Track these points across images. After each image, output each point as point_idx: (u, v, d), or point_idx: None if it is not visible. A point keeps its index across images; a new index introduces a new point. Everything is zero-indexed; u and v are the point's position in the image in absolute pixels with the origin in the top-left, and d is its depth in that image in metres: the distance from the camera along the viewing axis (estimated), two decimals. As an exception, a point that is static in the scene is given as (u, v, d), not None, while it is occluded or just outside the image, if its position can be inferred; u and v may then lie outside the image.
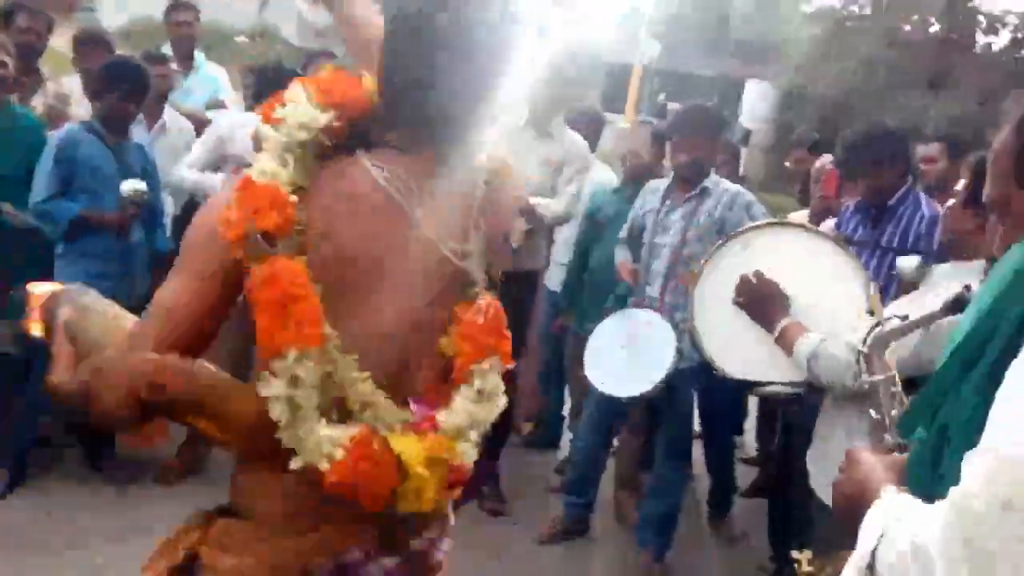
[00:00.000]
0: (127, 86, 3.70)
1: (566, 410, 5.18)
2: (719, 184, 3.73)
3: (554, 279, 4.89)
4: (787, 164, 5.31)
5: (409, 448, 1.33)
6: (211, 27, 15.04)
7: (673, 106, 26.76)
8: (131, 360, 1.29)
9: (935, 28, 20.02)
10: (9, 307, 3.43)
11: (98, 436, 3.79)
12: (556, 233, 4.69)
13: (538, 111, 4.13)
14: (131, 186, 3.65)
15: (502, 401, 1.45)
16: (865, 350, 1.97)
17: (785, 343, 2.41)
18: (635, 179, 4.35)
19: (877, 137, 3.40)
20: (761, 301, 2.52)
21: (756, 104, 26.82)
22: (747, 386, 2.91)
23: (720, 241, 2.82)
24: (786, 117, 23.85)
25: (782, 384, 2.62)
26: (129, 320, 1.46)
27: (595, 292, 4.32)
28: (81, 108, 4.22)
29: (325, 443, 1.28)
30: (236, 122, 4.14)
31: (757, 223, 3.01)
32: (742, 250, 2.69)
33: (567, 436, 4.95)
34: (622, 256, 4.01)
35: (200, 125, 4.51)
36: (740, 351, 2.64)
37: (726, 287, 2.61)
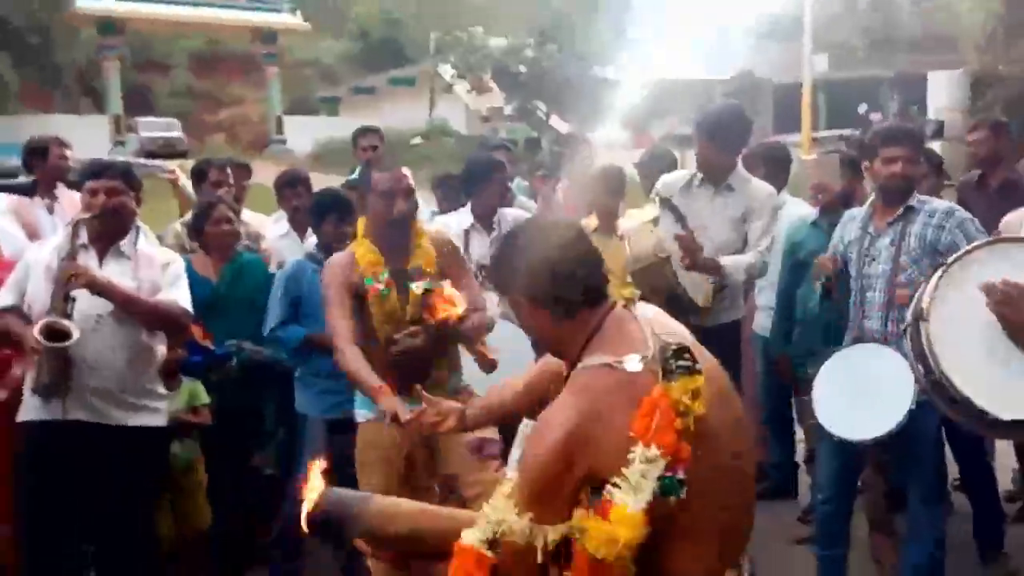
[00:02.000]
0: (336, 213, 4.01)
1: (798, 456, 4.98)
2: (925, 202, 3.49)
3: (762, 324, 4.77)
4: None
5: None
6: (389, 135, 16.08)
7: (875, 116, 25.74)
8: None
9: None
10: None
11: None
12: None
13: (711, 166, 4.08)
14: None
15: None
16: None
17: None
18: (830, 212, 4.18)
19: None
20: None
21: (942, 94, 25.36)
22: (1019, 427, 2.48)
23: (938, 273, 2.61)
24: (979, 103, 22.32)
25: None
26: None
27: (806, 332, 4.17)
28: (268, 242, 4.69)
29: None
30: (449, 221, 4.48)
31: (974, 245, 2.78)
32: (966, 277, 2.47)
33: (804, 483, 4.75)
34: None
35: None
36: (1006, 389, 2.35)
37: (964, 322, 2.39)
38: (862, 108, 28.15)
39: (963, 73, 24.24)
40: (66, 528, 3.20)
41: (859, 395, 3.43)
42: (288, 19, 29.21)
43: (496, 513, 1.68)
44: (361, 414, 3.25)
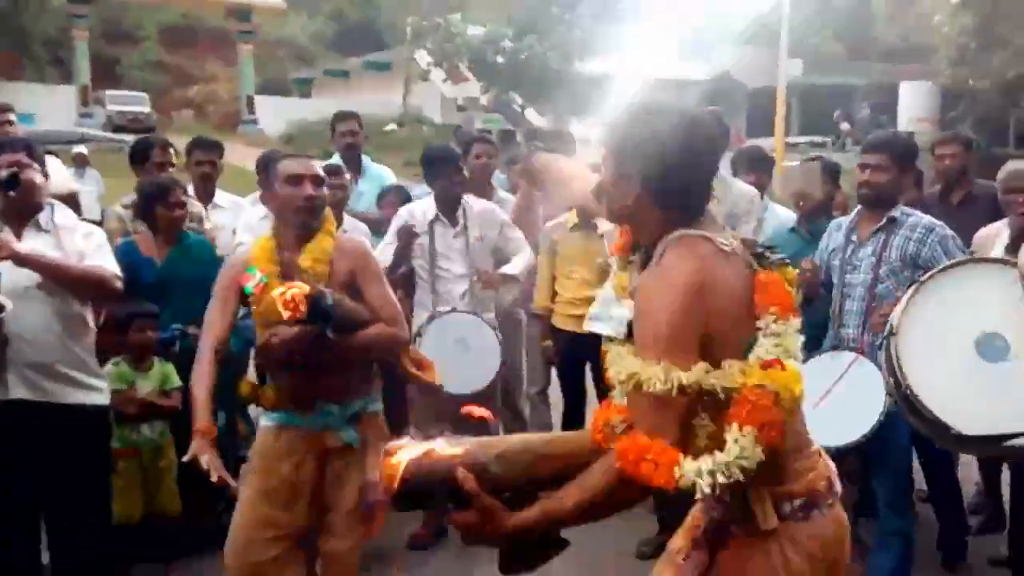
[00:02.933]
0: None
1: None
2: (910, 215, 3.51)
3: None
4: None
5: None
6: (363, 120, 15.92)
7: (844, 125, 25.98)
8: None
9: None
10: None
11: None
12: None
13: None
14: None
15: None
16: None
17: None
18: (810, 219, 4.19)
19: None
20: None
21: (914, 105, 25.73)
22: (983, 442, 2.47)
23: (910, 291, 2.61)
24: (950, 115, 22.64)
25: None
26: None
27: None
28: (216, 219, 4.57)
29: None
30: (414, 209, 4.38)
31: (948, 263, 2.78)
32: (938, 295, 2.47)
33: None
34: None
35: (375, 224, 4.74)
36: (972, 404, 2.38)
37: (932, 338, 2.41)
38: (837, 113, 28.47)
39: (935, 85, 24.57)
40: (17, 510, 3.13)
41: (832, 403, 3.45)
42: (264, -4, 28.85)
43: (631, 367, 1.65)
44: (263, 420, 3.08)
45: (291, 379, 2.92)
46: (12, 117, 4.65)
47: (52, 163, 3.85)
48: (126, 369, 3.75)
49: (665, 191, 1.77)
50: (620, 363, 1.71)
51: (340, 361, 2.90)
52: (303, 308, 2.69)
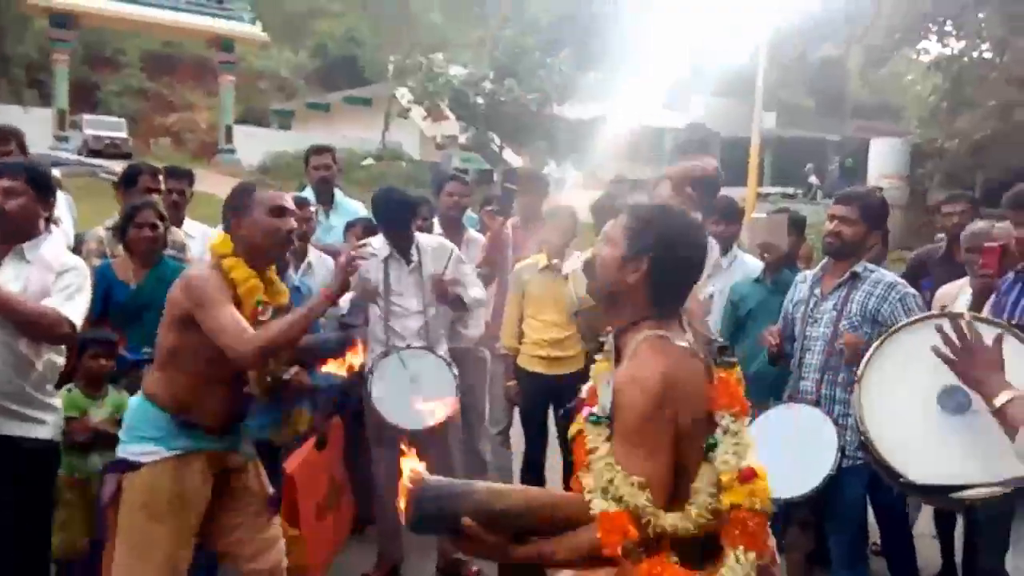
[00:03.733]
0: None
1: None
2: (873, 272, 3.57)
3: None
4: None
5: None
6: (342, 154, 16.04)
7: (813, 179, 26.34)
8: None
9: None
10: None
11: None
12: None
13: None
14: None
15: None
16: None
17: (1009, 418, 2.08)
18: (775, 270, 4.25)
19: None
20: (980, 358, 2.20)
21: (884, 162, 26.20)
22: (937, 492, 2.50)
23: (878, 340, 2.68)
24: (919, 172, 23.09)
25: (989, 485, 2.30)
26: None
27: (748, 386, 4.21)
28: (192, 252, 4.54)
29: None
30: (373, 241, 4.33)
31: (916, 317, 2.85)
32: (902, 348, 2.53)
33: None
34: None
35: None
36: (925, 454, 2.40)
37: (894, 388, 2.47)
38: (808, 166, 28.94)
39: (905, 143, 25.05)
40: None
41: (785, 454, 3.48)
42: (247, 28, 28.90)
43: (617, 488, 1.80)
44: (150, 451, 2.83)
45: (225, 401, 2.88)
46: (11, 147, 4.59)
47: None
48: (79, 396, 3.69)
49: (665, 283, 1.96)
50: (597, 457, 1.87)
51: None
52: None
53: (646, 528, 1.78)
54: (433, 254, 4.35)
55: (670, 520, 1.80)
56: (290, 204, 2.98)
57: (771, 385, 3.83)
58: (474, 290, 4.45)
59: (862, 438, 2.57)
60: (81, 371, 3.68)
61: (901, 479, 2.46)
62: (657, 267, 1.94)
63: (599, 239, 2.07)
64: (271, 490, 3.09)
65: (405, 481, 1.85)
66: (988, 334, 2.27)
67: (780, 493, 3.44)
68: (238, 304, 2.80)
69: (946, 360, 2.27)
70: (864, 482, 3.50)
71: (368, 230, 4.97)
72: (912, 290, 3.56)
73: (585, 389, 2.11)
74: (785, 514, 3.71)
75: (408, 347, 4.21)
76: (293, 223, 2.94)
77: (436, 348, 4.27)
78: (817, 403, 3.51)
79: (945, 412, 2.44)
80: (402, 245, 4.31)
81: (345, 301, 4.27)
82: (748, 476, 1.87)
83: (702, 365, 1.94)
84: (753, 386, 4.00)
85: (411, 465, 1.88)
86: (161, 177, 4.81)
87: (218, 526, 2.96)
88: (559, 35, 31.38)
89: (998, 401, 2.12)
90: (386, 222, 4.33)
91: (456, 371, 4.25)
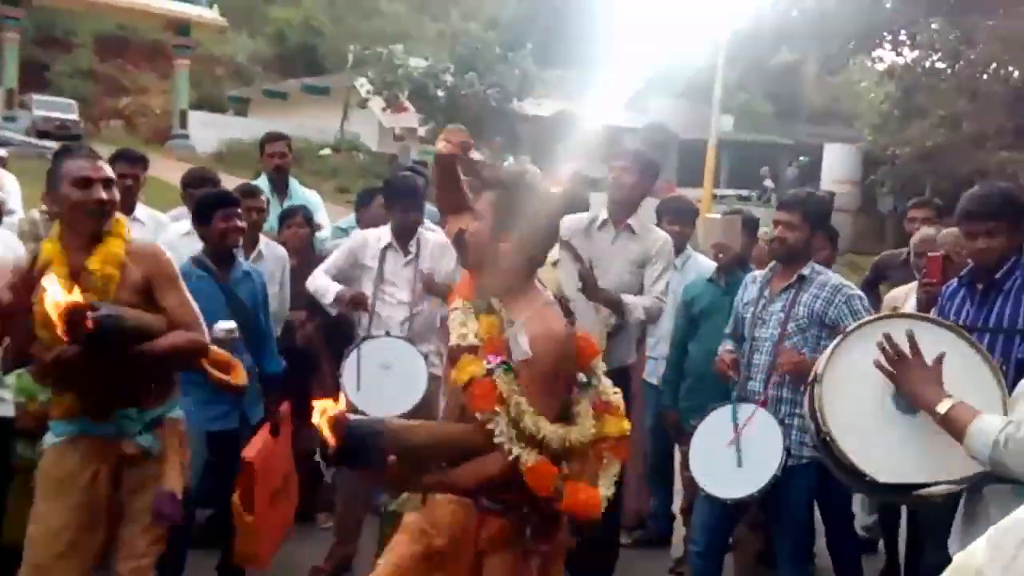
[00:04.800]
0: (223, 210, 3.85)
1: (675, 507, 5.06)
2: (820, 274, 3.63)
3: (654, 374, 4.85)
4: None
5: None
6: (299, 143, 15.82)
7: (767, 182, 26.73)
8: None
9: (1016, 77, 19.52)
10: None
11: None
12: (654, 327, 4.62)
13: (615, 208, 4.15)
14: (222, 327, 3.68)
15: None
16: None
17: (954, 425, 2.16)
18: (727, 271, 4.29)
19: (1001, 195, 3.12)
20: (917, 373, 2.29)
21: (837, 167, 26.63)
22: (896, 491, 2.56)
23: (835, 341, 2.72)
24: (870, 178, 23.50)
25: (948, 483, 2.37)
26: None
27: (696, 386, 4.26)
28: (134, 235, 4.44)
29: None
30: (369, 236, 4.40)
31: (870, 318, 2.90)
32: (860, 347, 2.56)
33: (679, 533, 4.82)
34: (725, 348, 3.88)
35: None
36: (886, 454, 2.46)
37: (853, 388, 2.49)
38: (764, 169, 29.30)
39: (857, 149, 25.49)
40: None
41: (733, 455, 3.53)
42: (204, 12, 28.35)
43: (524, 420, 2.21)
44: (48, 438, 2.92)
45: (84, 388, 2.80)
46: None
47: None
48: (29, 381, 3.60)
49: (534, 254, 2.39)
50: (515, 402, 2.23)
51: (137, 368, 2.80)
52: (61, 324, 2.55)
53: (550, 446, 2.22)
54: (432, 251, 4.33)
55: (572, 435, 2.27)
56: (96, 173, 2.82)
57: (719, 385, 3.87)
58: None
59: (824, 438, 2.59)
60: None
61: (866, 478, 2.50)
62: (529, 243, 2.34)
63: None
64: (166, 492, 2.93)
65: (328, 416, 2.06)
66: (931, 350, 2.33)
67: (726, 493, 3.52)
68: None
69: (885, 373, 2.35)
70: (810, 482, 3.56)
71: (307, 220, 4.91)
72: (858, 292, 3.63)
73: (467, 339, 2.33)
74: (733, 514, 3.76)
75: (387, 335, 4.19)
76: (101, 194, 2.80)
77: (420, 343, 4.24)
78: (764, 403, 3.56)
79: (899, 411, 2.49)
80: (404, 235, 4.29)
81: (330, 293, 4.29)
82: (607, 408, 2.46)
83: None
84: (703, 385, 4.10)
85: (329, 405, 2.09)
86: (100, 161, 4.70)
87: (119, 515, 2.90)
88: (521, 32, 31.40)
89: (940, 409, 2.20)
90: (401, 204, 4.30)
91: (432, 366, 4.24)
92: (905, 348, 2.33)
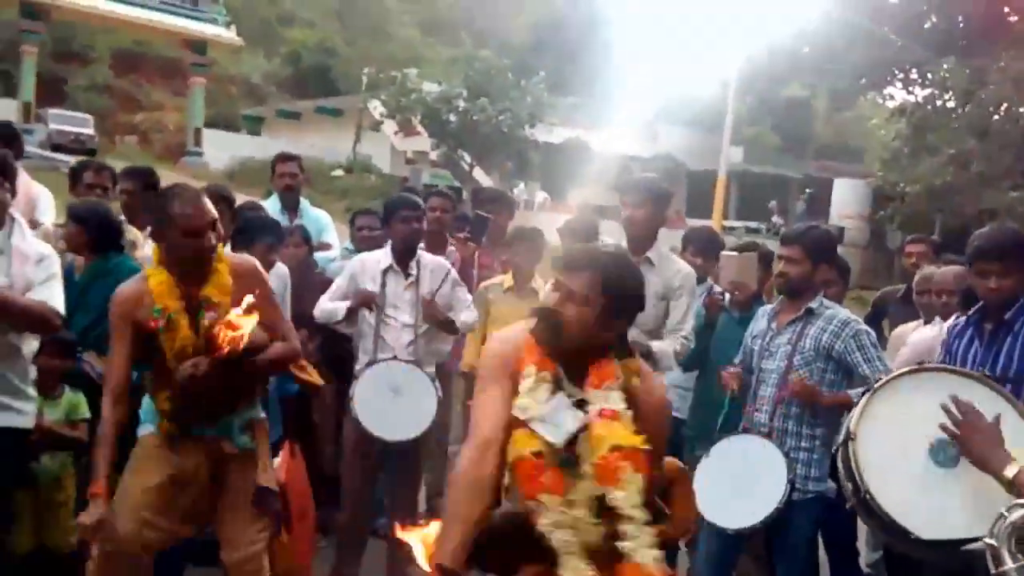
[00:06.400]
0: (270, 239, 3.93)
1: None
2: (828, 308, 3.63)
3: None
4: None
5: None
6: (311, 163, 15.91)
7: (775, 219, 26.73)
8: None
9: (1027, 118, 19.55)
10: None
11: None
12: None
13: (632, 243, 4.08)
14: None
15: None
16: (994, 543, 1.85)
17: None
18: (742, 310, 4.26)
19: (1013, 235, 3.15)
20: (982, 436, 2.29)
21: (846, 202, 26.65)
22: (941, 547, 2.52)
23: (865, 397, 2.70)
24: (879, 214, 23.51)
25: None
26: None
27: (704, 415, 4.24)
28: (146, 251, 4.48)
29: None
30: (367, 259, 4.39)
31: (896, 372, 2.88)
32: (892, 401, 2.58)
33: (683, 565, 4.78)
34: (733, 364, 3.85)
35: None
36: (928, 510, 2.46)
37: (887, 444, 2.50)
38: (772, 203, 29.33)
39: (867, 184, 25.51)
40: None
41: (737, 485, 3.52)
42: (221, 31, 28.66)
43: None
44: (144, 427, 3.18)
45: (200, 399, 2.98)
46: None
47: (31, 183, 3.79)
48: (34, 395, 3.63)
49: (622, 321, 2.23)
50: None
51: (247, 378, 3.08)
52: (241, 346, 2.90)
53: None
54: (432, 274, 4.33)
55: None
56: (203, 221, 2.98)
57: (723, 413, 3.87)
58: (466, 314, 4.43)
59: (864, 496, 2.57)
60: (38, 370, 3.61)
61: (911, 536, 2.48)
62: (617, 312, 2.19)
63: (554, 290, 2.22)
64: (266, 487, 3.14)
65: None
66: (988, 409, 2.35)
67: (729, 523, 3.50)
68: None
69: (951, 435, 2.34)
70: (814, 517, 3.55)
71: (305, 240, 4.93)
72: (865, 327, 3.63)
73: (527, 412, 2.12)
74: (736, 544, 3.74)
75: (394, 358, 4.18)
76: (212, 240, 3.00)
77: (424, 365, 4.24)
78: (770, 435, 3.56)
79: (938, 465, 2.48)
80: (405, 257, 4.29)
81: (341, 307, 4.26)
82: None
83: None
84: (711, 415, 4.08)
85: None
86: (106, 173, 4.75)
87: (213, 511, 3.13)
88: (534, 59, 31.61)
89: (1008, 473, 2.20)
90: (401, 222, 4.28)
91: (439, 389, 4.24)
92: (972, 409, 2.34)
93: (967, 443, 2.31)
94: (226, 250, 3.15)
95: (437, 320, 4.28)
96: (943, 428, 2.34)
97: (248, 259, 3.28)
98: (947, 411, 2.34)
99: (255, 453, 3.14)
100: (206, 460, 3.07)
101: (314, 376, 3.72)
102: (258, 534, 3.10)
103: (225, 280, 3.03)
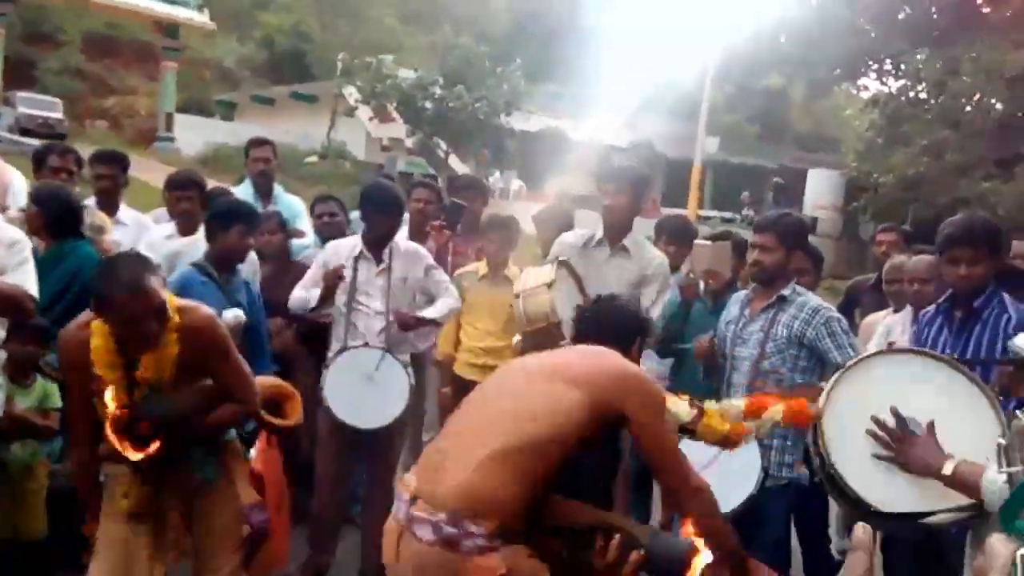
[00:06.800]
0: (244, 224, 3.86)
1: (654, 521, 5.04)
2: (800, 295, 3.64)
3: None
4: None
5: None
6: (285, 149, 15.75)
7: (747, 210, 26.84)
8: None
9: (999, 109, 19.77)
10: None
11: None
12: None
13: (609, 229, 4.13)
14: (230, 315, 3.68)
15: None
16: None
17: (963, 484, 2.27)
18: (716, 299, 4.27)
19: (983, 224, 3.23)
20: (914, 449, 2.41)
21: (819, 192, 26.80)
22: (902, 520, 2.59)
23: (834, 377, 2.73)
24: (853, 205, 23.69)
25: (951, 511, 2.42)
26: None
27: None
28: (115, 236, 4.42)
29: None
30: (339, 245, 4.34)
31: (865, 354, 2.90)
32: (858, 382, 2.62)
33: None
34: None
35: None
36: (886, 485, 2.51)
37: (852, 423, 2.53)
38: (744, 194, 29.47)
39: (841, 175, 25.68)
40: None
41: (710, 472, 3.52)
42: (194, 15, 28.22)
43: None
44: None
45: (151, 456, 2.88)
46: None
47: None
48: (4, 381, 3.57)
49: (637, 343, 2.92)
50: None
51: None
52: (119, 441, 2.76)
53: None
54: (405, 259, 4.29)
55: None
56: (134, 316, 2.66)
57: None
58: (444, 300, 4.38)
59: (830, 471, 2.61)
60: (8, 356, 3.55)
61: (872, 510, 2.53)
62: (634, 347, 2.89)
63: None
64: (249, 505, 3.15)
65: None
66: (927, 385, 2.48)
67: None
68: None
69: (887, 458, 2.46)
70: (787, 504, 3.58)
71: (282, 226, 4.87)
72: (837, 314, 3.65)
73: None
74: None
75: (366, 345, 4.15)
76: (147, 335, 2.73)
77: (397, 352, 4.21)
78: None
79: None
80: (378, 244, 4.24)
81: (314, 295, 4.22)
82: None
83: None
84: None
85: None
86: (71, 157, 4.66)
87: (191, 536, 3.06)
88: (512, 47, 31.50)
89: (947, 471, 2.30)
90: (377, 214, 4.24)
91: (412, 375, 4.21)
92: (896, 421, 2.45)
93: (904, 457, 2.42)
94: (177, 301, 2.86)
95: (411, 328, 4.26)
96: (874, 455, 2.48)
97: (202, 314, 2.93)
98: (874, 436, 2.48)
99: (227, 476, 3.09)
100: (174, 493, 3.00)
101: (292, 410, 3.49)
102: (233, 553, 3.06)
103: (170, 353, 2.79)
